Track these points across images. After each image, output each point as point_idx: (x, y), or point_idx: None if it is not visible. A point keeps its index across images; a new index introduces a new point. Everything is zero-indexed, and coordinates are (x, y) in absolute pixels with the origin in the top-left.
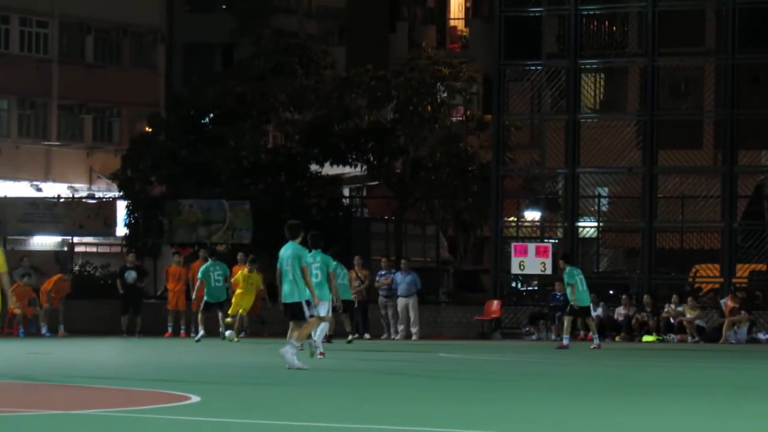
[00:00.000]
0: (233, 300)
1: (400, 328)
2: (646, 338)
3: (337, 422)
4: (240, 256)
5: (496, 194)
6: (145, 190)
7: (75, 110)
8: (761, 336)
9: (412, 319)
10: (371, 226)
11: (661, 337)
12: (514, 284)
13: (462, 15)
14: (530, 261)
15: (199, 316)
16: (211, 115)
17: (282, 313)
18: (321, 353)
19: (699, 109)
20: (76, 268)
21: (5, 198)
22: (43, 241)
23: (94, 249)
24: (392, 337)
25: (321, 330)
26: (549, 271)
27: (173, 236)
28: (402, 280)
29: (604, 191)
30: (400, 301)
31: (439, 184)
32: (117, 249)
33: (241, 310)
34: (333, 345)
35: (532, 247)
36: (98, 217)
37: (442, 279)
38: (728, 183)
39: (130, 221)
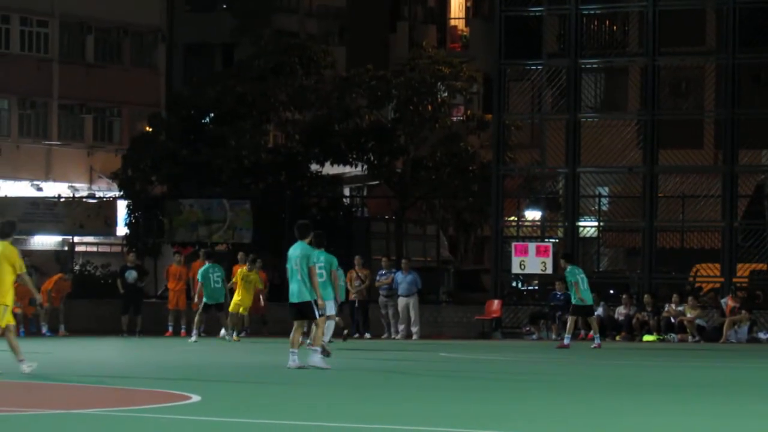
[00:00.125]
0: (233, 300)
1: (401, 327)
2: (647, 338)
3: (338, 422)
4: (240, 255)
5: (496, 194)
6: (146, 190)
7: (75, 110)
8: (762, 335)
9: (412, 319)
10: (372, 226)
11: (661, 337)
12: (514, 284)
13: (462, 14)
14: (531, 260)
15: (197, 318)
16: (212, 114)
17: (282, 313)
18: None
19: (699, 108)
20: (77, 267)
21: (6, 197)
22: (44, 241)
23: (94, 248)
24: (393, 336)
25: (327, 329)
26: (549, 271)
27: (174, 236)
28: (402, 279)
29: (604, 191)
30: (401, 301)
31: (440, 183)
32: (117, 248)
33: (241, 309)
34: (332, 345)
35: (532, 246)
36: (99, 216)
37: (443, 278)
38: (729, 182)
39: (130, 221)
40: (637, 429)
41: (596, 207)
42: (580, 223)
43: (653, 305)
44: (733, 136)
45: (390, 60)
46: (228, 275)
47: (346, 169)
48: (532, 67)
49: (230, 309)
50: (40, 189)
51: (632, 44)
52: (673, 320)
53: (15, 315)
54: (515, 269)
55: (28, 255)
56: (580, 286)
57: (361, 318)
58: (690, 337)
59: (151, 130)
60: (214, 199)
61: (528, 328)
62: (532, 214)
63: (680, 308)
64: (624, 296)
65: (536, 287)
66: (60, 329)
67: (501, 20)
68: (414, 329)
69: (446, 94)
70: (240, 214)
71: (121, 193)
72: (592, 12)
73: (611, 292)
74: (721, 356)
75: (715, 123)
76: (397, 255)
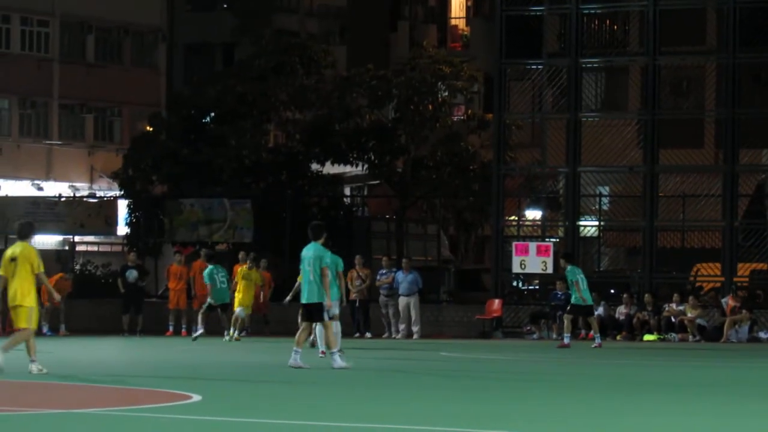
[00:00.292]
0: (235, 299)
1: (402, 327)
2: (648, 337)
3: (338, 421)
4: (241, 255)
5: (497, 193)
6: (147, 189)
7: (76, 109)
8: (762, 335)
9: (413, 318)
10: (372, 225)
11: (662, 336)
12: (515, 283)
13: (463, 14)
14: (531, 260)
15: (200, 315)
16: (212, 114)
17: (284, 313)
18: (322, 352)
19: (700, 108)
20: (78, 267)
21: (6, 197)
22: (45, 240)
23: (95, 248)
24: (393, 336)
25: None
26: (550, 270)
27: (174, 235)
28: (403, 279)
29: (605, 190)
30: (402, 300)
31: (440, 183)
32: (118, 248)
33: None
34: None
35: (533, 246)
36: (99, 216)
37: (444, 278)
38: (729, 182)
39: (131, 220)
40: (638, 429)
41: (597, 206)
42: (581, 223)
43: (654, 305)
44: (733, 135)
45: (390, 59)
46: (229, 275)
47: (347, 169)
48: (533, 67)
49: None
50: (40, 188)
51: (633, 44)
52: (673, 320)
53: None
54: (516, 269)
55: None
56: (580, 286)
57: (361, 317)
58: (691, 337)
59: (151, 129)
60: (214, 199)
61: (529, 328)
62: (533, 214)
63: (681, 308)
64: (625, 296)
65: (537, 287)
66: (61, 329)
67: (502, 20)
68: (415, 329)
69: (447, 93)
70: (241, 214)
71: (122, 192)
72: (592, 11)
73: (612, 291)
74: (721, 356)
75: (715, 122)
76: (398, 254)
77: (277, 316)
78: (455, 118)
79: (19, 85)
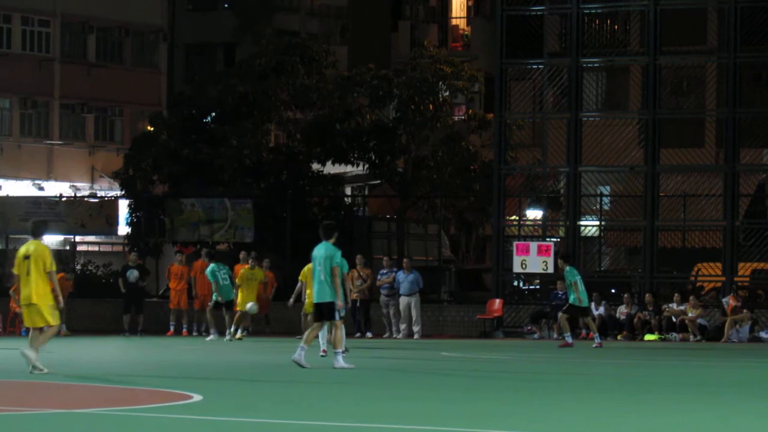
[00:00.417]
0: (238, 298)
1: (402, 327)
2: (648, 337)
3: (339, 421)
4: (242, 255)
5: (498, 193)
6: (147, 189)
7: (77, 109)
8: (763, 335)
9: (414, 318)
10: (373, 225)
11: (663, 336)
12: (516, 283)
13: (464, 14)
14: (532, 260)
15: (209, 316)
16: (213, 114)
17: (285, 312)
18: (323, 351)
19: (701, 107)
20: (78, 267)
21: (7, 197)
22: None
23: (96, 248)
24: (394, 336)
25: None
26: (551, 270)
27: (175, 235)
28: (404, 278)
29: (605, 190)
30: (402, 300)
31: (441, 182)
32: (119, 248)
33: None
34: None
35: (534, 245)
36: (100, 216)
37: (444, 278)
38: (730, 181)
39: (132, 220)
40: (638, 429)
41: (598, 206)
42: (582, 223)
43: (654, 304)
44: (734, 135)
45: (391, 59)
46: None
47: (348, 169)
48: (534, 67)
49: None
50: (41, 188)
51: (633, 43)
52: (674, 319)
53: (17, 314)
54: (517, 268)
55: None
56: (579, 287)
57: (362, 317)
58: (691, 337)
59: (152, 129)
60: (215, 199)
61: (529, 328)
62: (534, 214)
63: (682, 307)
64: (625, 295)
65: (538, 286)
66: (62, 329)
67: (502, 19)
68: (415, 328)
69: (447, 93)
70: (241, 214)
71: (123, 192)
72: (593, 11)
73: (613, 291)
74: (722, 356)
75: (716, 122)
76: (399, 254)
77: (278, 315)
78: (456, 118)
79: (20, 85)
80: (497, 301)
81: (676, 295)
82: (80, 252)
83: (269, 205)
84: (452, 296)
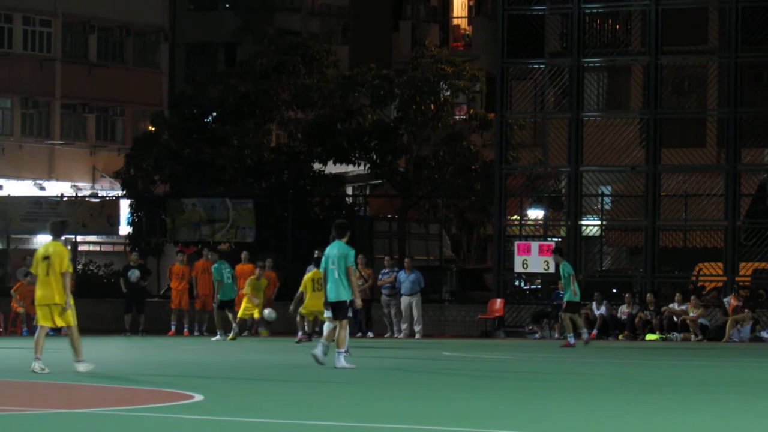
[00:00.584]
0: (242, 304)
1: (403, 326)
2: (650, 337)
3: (340, 420)
4: (244, 254)
5: (499, 193)
6: (149, 189)
7: (78, 109)
8: (764, 334)
9: (415, 318)
10: (374, 225)
11: (664, 336)
12: (517, 283)
13: (465, 13)
14: (533, 259)
15: (216, 317)
16: (214, 113)
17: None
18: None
19: (702, 107)
20: (80, 266)
21: (9, 197)
22: (47, 240)
23: (97, 248)
24: (395, 335)
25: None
26: (552, 270)
27: (176, 235)
28: (405, 278)
29: (607, 189)
30: (404, 300)
31: (443, 182)
32: (120, 248)
33: (255, 313)
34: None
35: (535, 245)
36: (101, 215)
37: (446, 277)
38: (731, 181)
39: (133, 220)
40: (639, 429)
41: (599, 206)
42: (583, 222)
43: (656, 304)
44: (735, 134)
45: (393, 59)
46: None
47: (349, 168)
48: (535, 66)
49: (239, 315)
50: (42, 188)
51: (635, 43)
52: (675, 319)
53: (18, 314)
54: (518, 268)
55: (30, 254)
56: (574, 280)
57: (363, 317)
58: (693, 336)
59: (153, 129)
60: (216, 199)
61: (531, 327)
62: (535, 213)
63: (683, 307)
64: (626, 295)
65: (539, 286)
66: (62, 329)
67: (503, 19)
68: (416, 328)
69: (449, 93)
70: (243, 214)
71: (124, 192)
72: (594, 11)
73: (614, 291)
74: (723, 355)
75: (717, 122)
76: (400, 254)
77: (279, 315)
78: (457, 118)
79: (22, 85)
80: (498, 300)
81: (677, 294)
82: (81, 252)
83: (270, 205)
84: (453, 296)
